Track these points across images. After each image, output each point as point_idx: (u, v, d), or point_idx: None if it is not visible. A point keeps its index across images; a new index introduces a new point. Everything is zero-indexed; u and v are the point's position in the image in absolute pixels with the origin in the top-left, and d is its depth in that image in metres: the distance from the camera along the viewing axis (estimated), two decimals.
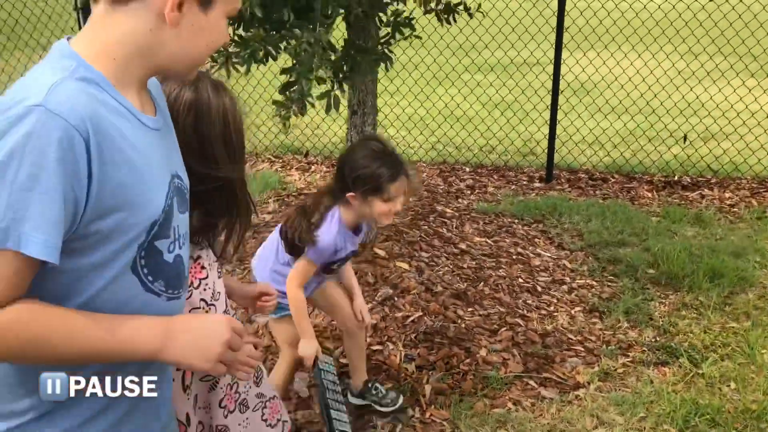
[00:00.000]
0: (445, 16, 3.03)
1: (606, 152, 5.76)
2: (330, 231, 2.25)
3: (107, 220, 1.05)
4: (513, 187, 5.37)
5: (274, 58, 2.58)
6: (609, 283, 3.80)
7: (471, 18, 3.19)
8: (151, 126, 1.16)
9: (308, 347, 2.27)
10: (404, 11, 2.92)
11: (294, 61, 2.38)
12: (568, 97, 6.03)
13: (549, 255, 4.13)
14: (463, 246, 4.06)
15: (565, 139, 5.83)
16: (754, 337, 3.22)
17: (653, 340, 3.24)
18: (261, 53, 2.43)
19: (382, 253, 3.71)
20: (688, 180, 5.44)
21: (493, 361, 3.01)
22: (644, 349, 3.17)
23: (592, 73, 5.91)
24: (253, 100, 6.14)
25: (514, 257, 4.02)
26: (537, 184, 5.42)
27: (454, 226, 4.39)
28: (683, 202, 5.05)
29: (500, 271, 3.80)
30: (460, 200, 5.01)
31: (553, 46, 5.13)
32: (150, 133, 1.16)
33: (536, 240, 4.34)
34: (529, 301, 3.54)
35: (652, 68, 5.90)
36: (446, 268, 3.73)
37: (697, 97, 5.85)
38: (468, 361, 3.00)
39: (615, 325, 3.37)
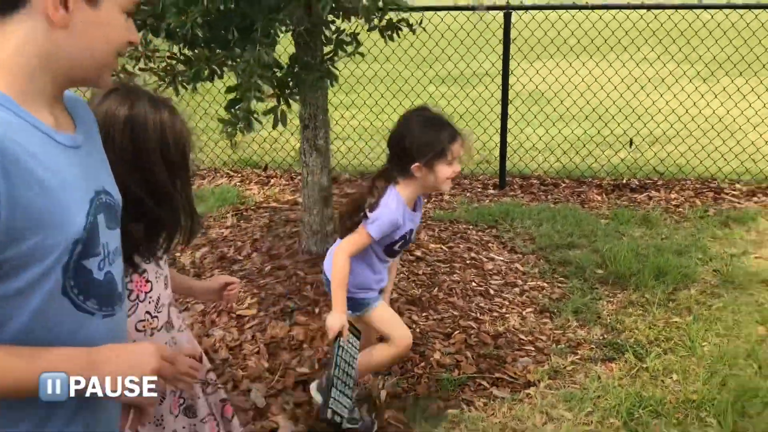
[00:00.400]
0: (388, 32, 3.13)
1: (556, 158, 5.93)
2: (389, 206, 2.28)
3: (23, 244, 1.02)
4: (468, 194, 5.50)
5: (220, 77, 2.64)
6: (559, 284, 3.92)
7: (414, 34, 3.29)
8: (66, 144, 1.12)
9: (336, 319, 2.21)
10: (346, 29, 3.01)
11: (239, 80, 2.45)
12: (517, 107, 6.19)
13: (502, 259, 4.24)
14: (418, 253, 4.16)
15: (517, 147, 5.98)
16: (695, 330, 3.36)
17: (601, 337, 3.37)
18: (206, 72, 2.50)
19: None
20: (636, 182, 5.63)
21: (447, 363, 3.09)
22: (592, 346, 3.29)
23: (540, 83, 6.08)
24: (210, 116, 6.17)
25: (467, 262, 4.12)
26: (491, 191, 5.56)
27: None
28: (631, 203, 5.23)
29: (454, 276, 3.90)
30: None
31: (501, 57, 5.29)
32: (66, 151, 1.12)
33: (490, 245, 4.46)
34: (482, 304, 3.63)
35: (596, 76, 6.09)
36: (402, 275, 3.82)
37: (641, 103, 6.07)
38: (422, 364, 3.08)
39: (564, 324, 3.48)
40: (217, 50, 2.62)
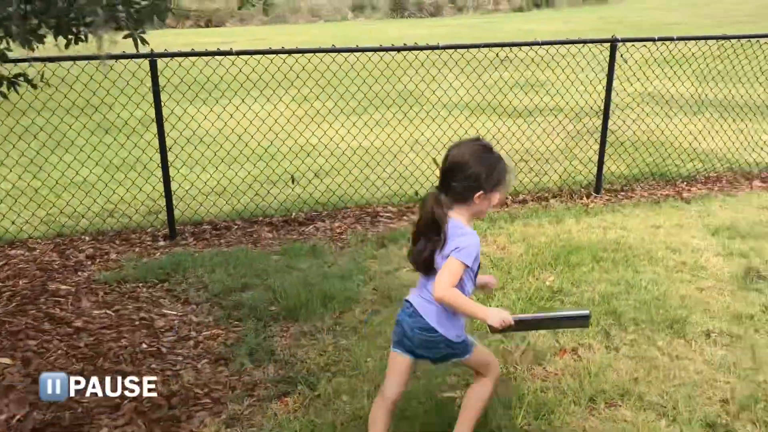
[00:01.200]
0: (1, 89, 2.84)
1: (224, 201, 5.97)
2: (467, 230, 2.39)
3: None
4: (137, 249, 5.23)
5: None
6: (234, 329, 3.92)
7: (35, 88, 3.03)
8: None
9: (496, 312, 2.34)
10: None
11: None
12: (177, 153, 6.10)
13: (174, 313, 4.11)
14: (79, 323, 3.83)
15: (183, 194, 5.89)
16: (359, 349, 3.62)
17: (275, 374, 3.43)
18: None
19: None
20: (303, 216, 5.92)
21: None
22: (267, 384, 3.34)
23: (197, 128, 6.09)
24: None
25: (136, 323, 3.91)
26: (161, 243, 5.37)
27: (70, 303, 4.11)
28: (300, 237, 5.47)
29: (122, 341, 3.66)
30: (79, 273, 4.71)
31: (153, 104, 5.17)
32: None
33: (161, 301, 4.29)
34: (154, 366, 3.46)
35: (251, 119, 6.30)
36: (60, 351, 3.47)
37: (295, 142, 6.43)
38: None
39: (240, 368, 3.48)
40: None
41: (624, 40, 6.07)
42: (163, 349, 3.64)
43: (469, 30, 21.37)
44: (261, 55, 5.51)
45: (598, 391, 3.21)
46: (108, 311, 4.03)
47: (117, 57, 4.64)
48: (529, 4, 35.30)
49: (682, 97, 8.27)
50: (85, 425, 2.94)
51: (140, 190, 5.84)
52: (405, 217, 5.90)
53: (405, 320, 2.54)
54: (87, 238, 5.43)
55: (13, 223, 5.46)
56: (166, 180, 5.37)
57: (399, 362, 2.61)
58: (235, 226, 5.70)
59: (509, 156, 6.75)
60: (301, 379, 3.35)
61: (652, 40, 6.18)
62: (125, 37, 3.16)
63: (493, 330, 2.39)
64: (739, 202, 5.98)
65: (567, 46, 6.26)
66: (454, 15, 33.10)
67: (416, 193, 6.25)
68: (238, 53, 5.25)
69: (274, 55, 5.44)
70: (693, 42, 6.58)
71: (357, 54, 5.75)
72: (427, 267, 2.47)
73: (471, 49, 5.81)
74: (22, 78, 2.98)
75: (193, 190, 5.97)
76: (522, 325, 2.45)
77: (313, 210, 6.03)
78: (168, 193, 5.39)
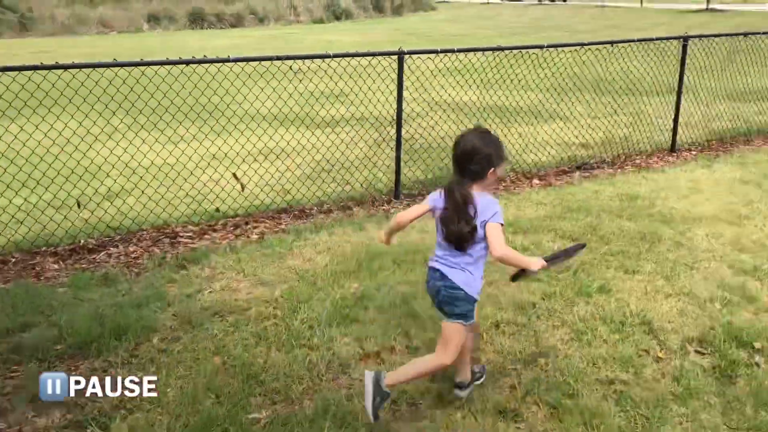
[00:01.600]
0: None
1: None
2: (492, 198, 2.89)
3: None
4: None
5: None
6: (12, 375, 3.52)
7: None
8: None
9: (536, 261, 2.87)
10: None
11: None
12: None
13: None
14: None
15: None
16: (158, 381, 3.42)
17: (62, 419, 3.12)
18: None
19: None
20: (94, 242, 5.49)
21: None
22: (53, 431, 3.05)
23: None
24: None
25: None
26: None
27: None
28: (91, 265, 5.07)
29: None
30: None
31: None
32: None
33: None
34: None
35: (24, 140, 5.75)
36: None
37: (92, 161, 5.97)
38: None
39: (21, 419, 3.13)
40: None
41: (409, 53, 6.37)
42: None
43: (271, 41, 21.34)
44: (32, 71, 5.03)
45: (401, 392, 3.32)
46: None
47: None
48: (329, 16, 36.06)
49: (466, 104, 8.88)
50: None
51: None
52: (207, 236, 5.70)
53: (435, 284, 2.99)
54: None
55: None
56: None
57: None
58: (13, 260, 5.15)
59: (311, 167, 6.81)
60: (92, 421, 3.10)
61: (435, 52, 6.56)
62: None
63: (534, 273, 2.93)
64: (521, 199, 6.52)
65: (358, 58, 6.45)
66: (256, 26, 32.82)
67: (218, 210, 6.07)
68: (3, 69, 4.77)
69: (47, 71, 4.99)
70: (473, 53, 7.09)
71: (142, 68, 5.47)
72: (466, 240, 2.87)
73: (270, 61, 5.76)
74: None
75: None
76: (551, 263, 2.98)
77: (105, 235, 5.62)
78: None
